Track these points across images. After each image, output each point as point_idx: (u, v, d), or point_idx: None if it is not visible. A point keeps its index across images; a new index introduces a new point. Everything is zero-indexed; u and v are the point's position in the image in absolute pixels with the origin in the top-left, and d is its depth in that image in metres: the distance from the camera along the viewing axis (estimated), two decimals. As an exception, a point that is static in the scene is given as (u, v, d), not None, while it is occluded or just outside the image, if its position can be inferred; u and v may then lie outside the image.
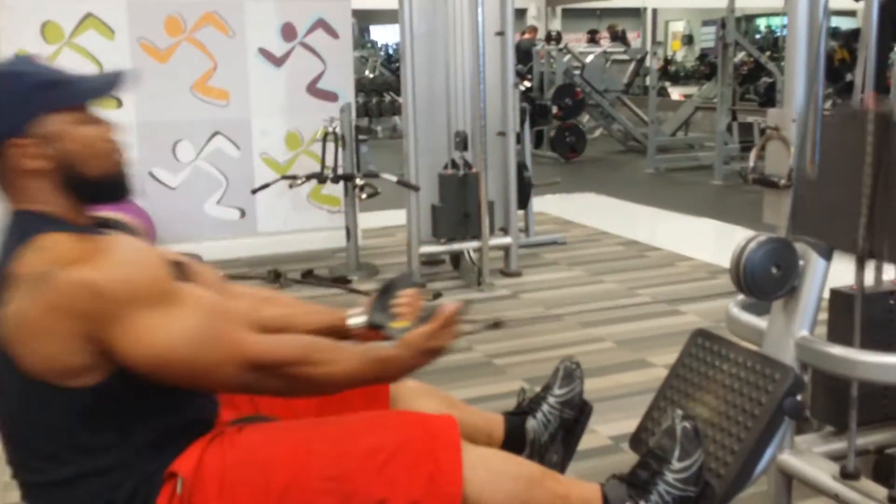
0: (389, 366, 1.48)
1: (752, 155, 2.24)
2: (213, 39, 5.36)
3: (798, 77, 2.04)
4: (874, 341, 2.12)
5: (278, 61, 5.55)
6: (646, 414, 1.93)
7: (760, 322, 1.95)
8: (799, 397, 1.70)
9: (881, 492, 2.03)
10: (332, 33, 5.63)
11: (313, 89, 5.63)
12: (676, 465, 1.59)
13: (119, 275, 1.30)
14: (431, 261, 5.30)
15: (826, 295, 2.30)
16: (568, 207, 7.16)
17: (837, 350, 1.85)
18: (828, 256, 1.83)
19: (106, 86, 1.45)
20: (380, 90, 13.64)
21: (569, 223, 6.58)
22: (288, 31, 5.53)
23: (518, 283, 4.93)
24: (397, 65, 19.41)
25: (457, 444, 1.44)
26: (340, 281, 4.92)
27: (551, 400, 1.85)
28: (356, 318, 1.69)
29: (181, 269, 1.48)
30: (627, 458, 1.91)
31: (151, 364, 1.32)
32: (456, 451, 1.43)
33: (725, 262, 1.93)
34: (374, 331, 1.66)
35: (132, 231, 1.53)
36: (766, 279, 1.80)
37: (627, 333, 3.98)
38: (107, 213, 1.52)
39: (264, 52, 5.50)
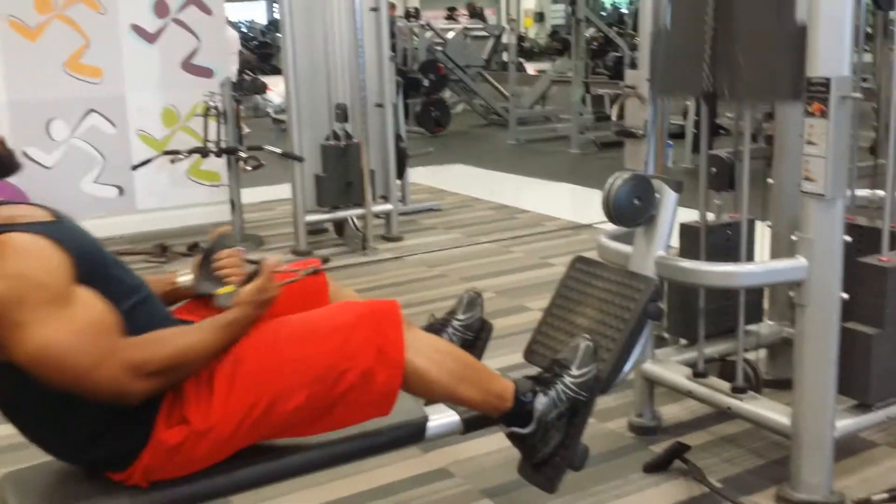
0: (235, 327, 1.64)
1: (614, 111, 2.63)
2: (85, 16, 5.33)
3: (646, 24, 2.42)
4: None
5: (152, 38, 5.57)
6: (535, 329, 2.28)
7: (623, 247, 2.33)
8: (659, 303, 2.08)
9: (725, 385, 2.47)
10: (206, 9, 5.69)
11: (188, 65, 5.69)
12: (575, 371, 1.93)
13: (10, 278, 1.45)
14: (315, 230, 5.51)
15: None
16: (439, 178, 7.50)
17: (687, 263, 2.25)
18: (678, 189, 2.23)
19: None
20: (240, 70, 13.55)
21: (441, 192, 6.93)
22: (160, 8, 5.56)
23: (400, 246, 5.23)
24: (255, 42, 19.16)
25: (398, 319, 1.72)
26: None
27: (455, 323, 2.15)
28: (184, 278, 1.87)
29: None
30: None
31: (30, 360, 1.47)
32: (398, 325, 1.71)
33: (586, 221, 2.29)
34: (204, 299, 1.83)
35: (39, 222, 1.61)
36: (630, 209, 2.17)
37: (505, 284, 4.36)
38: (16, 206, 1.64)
39: (137, 29, 5.51)
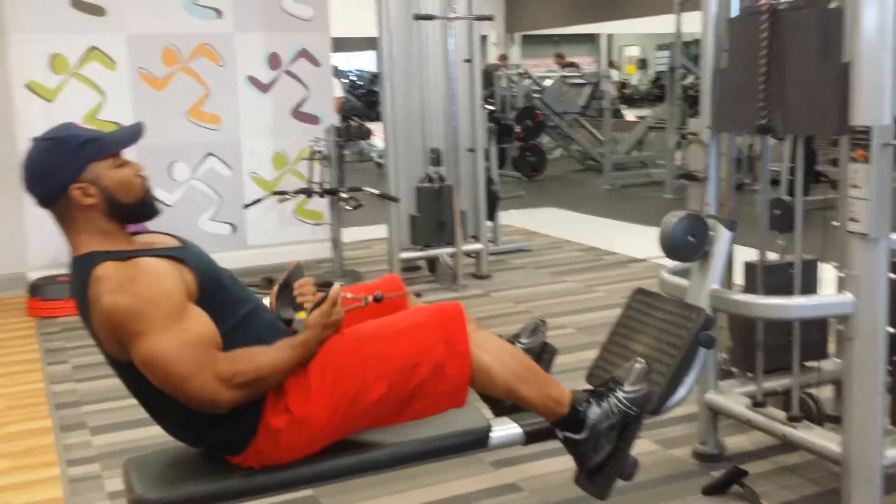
0: (308, 345, 1.89)
1: (678, 155, 2.81)
2: (206, 68, 5.86)
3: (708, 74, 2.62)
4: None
5: (265, 88, 6.06)
6: (599, 354, 2.47)
7: (681, 281, 2.51)
8: (711, 333, 2.25)
9: (782, 415, 2.60)
10: (314, 62, 6.16)
11: (297, 113, 6.15)
12: (628, 388, 2.13)
13: (137, 297, 1.75)
14: (409, 267, 5.82)
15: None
16: (532, 220, 7.74)
17: (738, 296, 2.42)
18: (732, 228, 2.40)
19: (130, 137, 1.95)
20: (346, 116, 14.22)
21: (533, 233, 7.16)
22: (274, 61, 6.04)
23: (488, 284, 5.48)
24: (362, 91, 19.95)
25: (462, 317, 1.97)
26: (327, 286, 5.39)
27: (518, 346, 2.37)
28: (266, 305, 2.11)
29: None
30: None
31: (142, 363, 1.78)
32: (461, 322, 1.96)
33: (672, 262, 2.50)
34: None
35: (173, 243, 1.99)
36: (685, 246, 2.36)
37: (586, 321, 4.54)
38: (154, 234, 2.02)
39: (253, 80, 6.01)
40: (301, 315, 1.97)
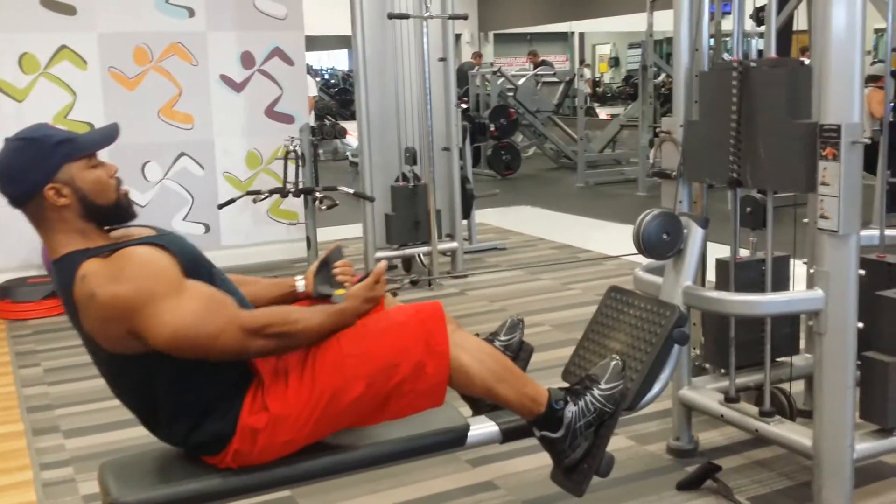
0: (346, 314, 1.95)
1: (652, 154, 2.84)
2: (178, 68, 5.82)
3: (681, 84, 2.65)
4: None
5: (238, 87, 6.02)
6: (574, 352, 2.50)
7: (655, 278, 2.54)
8: (684, 329, 2.27)
9: (754, 410, 2.63)
10: (288, 61, 6.13)
11: (271, 112, 6.12)
12: (603, 385, 2.15)
13: (136, 282, 1.76)
14: (385, 266, 5.81)
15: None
16: (506, 218, 7.77)
17: (711, 293, 2.45)
18: (704, 226, 2.43)
19: (106, 138, 1.94)
20: (320, 115, 14.18)
21: (508, 232, 7.18)
22: (247, 59, 6.01)
23: (464, 282, 5.49)
24: (335, 89, 19.84)
25: (442, 317, 1.98)
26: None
27: (497, 343, 2.38)
28: (300, 283, 2.16)
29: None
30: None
31: (168, 342, 1.77)
32: (442, 321, 1.97)
33: (647, 261, 2.52)
34: (321, 299, 2.11)
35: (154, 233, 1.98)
36: (659, 243, 2.39)
37: (562, 319, 4.57)
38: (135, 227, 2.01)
39: (225, 79, 5.97)
40: (341, 291, 2.05)
